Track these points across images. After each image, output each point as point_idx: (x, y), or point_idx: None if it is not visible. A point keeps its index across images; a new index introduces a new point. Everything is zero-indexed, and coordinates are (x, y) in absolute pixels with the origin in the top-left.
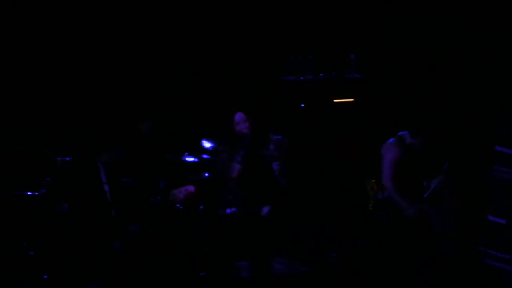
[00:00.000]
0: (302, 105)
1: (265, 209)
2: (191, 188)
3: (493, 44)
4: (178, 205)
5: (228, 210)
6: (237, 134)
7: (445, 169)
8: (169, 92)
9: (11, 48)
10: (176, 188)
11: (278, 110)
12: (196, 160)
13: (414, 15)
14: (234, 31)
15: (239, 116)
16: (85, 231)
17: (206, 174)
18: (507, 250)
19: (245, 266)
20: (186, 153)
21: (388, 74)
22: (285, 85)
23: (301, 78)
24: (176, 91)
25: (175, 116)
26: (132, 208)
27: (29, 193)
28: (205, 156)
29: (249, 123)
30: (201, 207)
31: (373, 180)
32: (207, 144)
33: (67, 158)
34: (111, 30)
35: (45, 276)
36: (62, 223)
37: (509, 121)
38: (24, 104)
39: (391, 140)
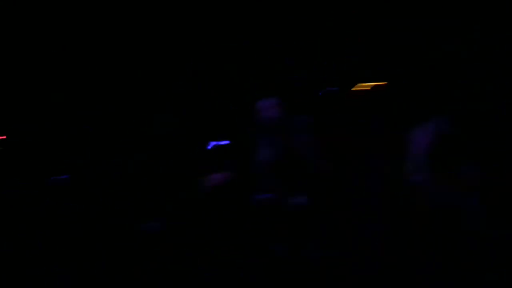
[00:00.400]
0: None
1: (298, 198)
2: (225, 174)
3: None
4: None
5: (264, 196)
6: (266, 120)
7: (475, 156)
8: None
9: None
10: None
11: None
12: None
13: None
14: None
15: (268, 103)
16: None
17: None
18: None
19: (279, 249)
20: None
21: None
22: None
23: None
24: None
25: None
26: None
27: None
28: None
29: (279, 108)
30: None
31: (399, 164)
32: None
33: None
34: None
35: None
36: None
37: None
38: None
39: (418, 126)
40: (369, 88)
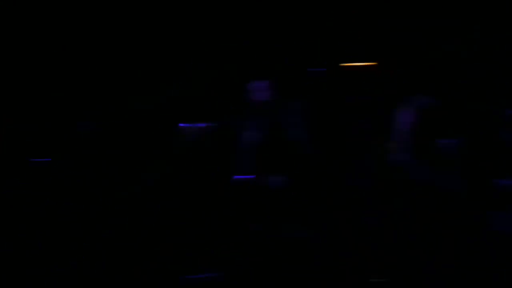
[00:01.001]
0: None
1: (278, 178)
2: None
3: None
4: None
5: (244, 177)
6: (255, 102)
7: (455, 132)
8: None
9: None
10: None
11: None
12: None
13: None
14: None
15: (260, 84)
16: None
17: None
18: None
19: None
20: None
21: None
22: None
23: None
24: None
25: None
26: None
27: None
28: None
29: (270, 91)
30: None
31: (387, 143)
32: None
33: None
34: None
35: None
36: None
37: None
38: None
39: (403, 103)
40: (357, 67)
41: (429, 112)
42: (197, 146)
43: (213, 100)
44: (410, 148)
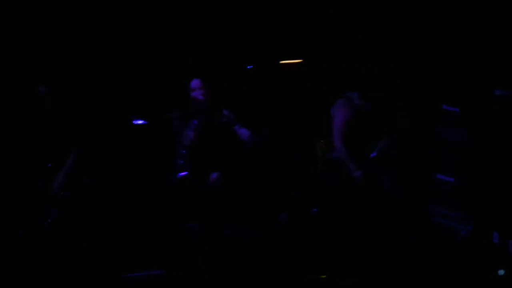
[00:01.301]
0: (250, 66)
1: (214, 175)
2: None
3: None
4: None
5: (179, 175)
6: (192, 101)
7: (391, 129)
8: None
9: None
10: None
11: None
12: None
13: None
14: None
15: (195, 83)
16: None
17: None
18: (455, 208)
19: (196, 229)
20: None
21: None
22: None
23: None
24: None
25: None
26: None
27: None
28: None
29: (205, 90)
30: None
31: (322, 141)
32: (139, 121)
33: None
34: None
35: None
36: None
37: (456, 79)
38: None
39: (340, 100)
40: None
41: (365, 110)
42: (138, 143)
43: (154, 98)
44: (344, 146)
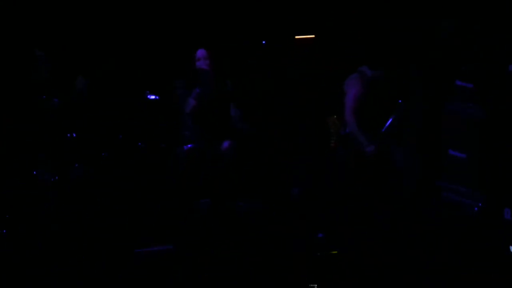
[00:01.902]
0: (264, 42)
1: (225, 144)
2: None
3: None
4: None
5: (185, 147)
6: (196, 70)
7: (402, 104)
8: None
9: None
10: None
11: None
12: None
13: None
14: None
15: (200, 53)
16: None
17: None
18: (466, 184)
19: (206, 204)
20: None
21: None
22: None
23: None
24: None
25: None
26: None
27: None
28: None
29: (210, 61)
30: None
31: (335, 116)
32: (151, 96)
33: None
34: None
35: None
36: None
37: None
38: None
39: (352, 75)
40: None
41: (377, 84)
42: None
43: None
44: (356, 121)
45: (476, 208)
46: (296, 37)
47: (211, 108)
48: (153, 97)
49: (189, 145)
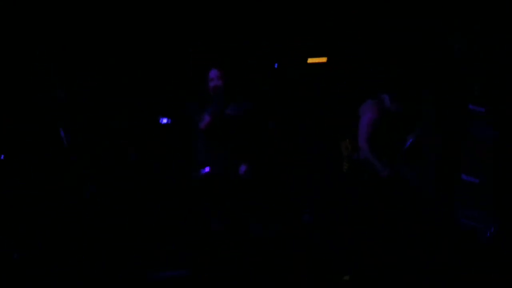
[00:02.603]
0: (276, 65)
1: (243, 168)
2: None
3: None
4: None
5: (202, 171)
6: (210, 90)
7: (419, 129)
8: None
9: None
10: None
11: (253, 70)
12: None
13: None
14: None
15: (213, 73)
16: None
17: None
18: (479, 209)
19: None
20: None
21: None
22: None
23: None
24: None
25: None
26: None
27: None
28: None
29: (223, 80)
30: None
31: (348, 140)
32: (164, 120)
33: None
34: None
35: None
36: None
37: (481, 79)
38: None
39: (370, 101)
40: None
41: (392, 111)
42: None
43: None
44: (370, 147)
45: (488, 234)
46: (309, 60)
47: (225, 127)
48: (165, 120)
49: (206, 169)
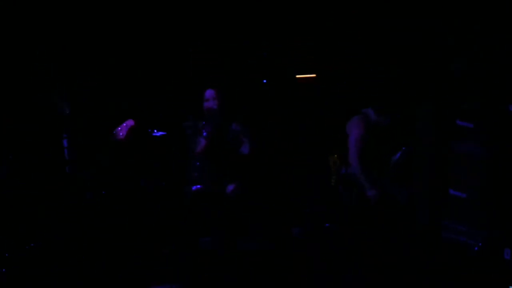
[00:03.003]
0: (264, 81)
1: (230, 187)
2: (130, 122)
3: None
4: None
5: (193, 187)
6: (205, 111)
7: (406, 145)
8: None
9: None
10: None
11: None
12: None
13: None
14: None
15: (209, 93)
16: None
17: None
18: (467, 224)
19: (210, 242)
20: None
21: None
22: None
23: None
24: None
25: None
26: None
27: None
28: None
29: (218, 101)
30: (163, 183)
31: (336, 155)
32: (158, 134)
33: None
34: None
35: None
36: None
37: (469, 95)
38: None
39: (355, 117)
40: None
41: (378, 124)
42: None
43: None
44: (360, 163)
45: (476, 248)
46: (298, 76)
47: (220, 149)
48: (159, 134)
49: (197, 186)
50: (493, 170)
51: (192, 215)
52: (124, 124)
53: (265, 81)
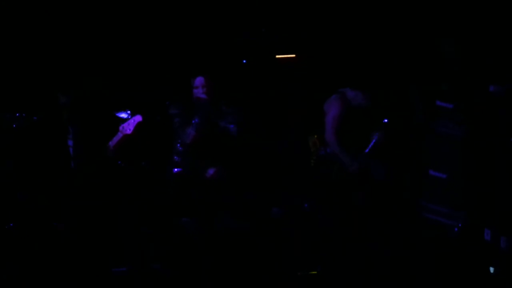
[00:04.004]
0: (244, 61)
1: (211, 171)
2: (138, 117)
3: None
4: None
5: (174, 170)
6: (194, 99)
7: (384, 124)
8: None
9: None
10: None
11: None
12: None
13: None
14: None
15: (199, 80)
16: None
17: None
18: (446, 204)
19: (189, 223)
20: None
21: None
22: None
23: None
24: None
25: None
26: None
27: None
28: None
29: (208, 89)
30: (143, 163)
31: (315, 136)
32: (123, 115)
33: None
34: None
35: None
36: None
37: (450, 75)
38: None
39: (333, 96)
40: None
41: (356, 103)
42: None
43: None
44: (338, 141)
45: (456, 229)
46: (277, 56)
47: (208, 141)
48: (124, 115)
49: (178, 169)
50: (472, 151)
51: (172, 196)
52: (132, 120)
53: (244, 61)
